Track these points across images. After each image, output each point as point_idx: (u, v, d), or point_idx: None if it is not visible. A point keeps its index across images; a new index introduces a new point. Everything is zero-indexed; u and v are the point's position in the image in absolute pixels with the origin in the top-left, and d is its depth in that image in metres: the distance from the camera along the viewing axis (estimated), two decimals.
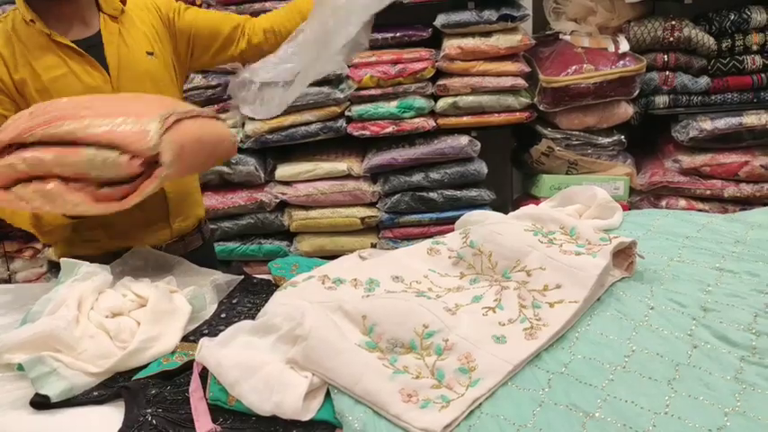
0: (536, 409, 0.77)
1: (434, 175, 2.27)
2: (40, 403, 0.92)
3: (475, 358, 0.85)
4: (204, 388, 0.87)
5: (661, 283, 1.00)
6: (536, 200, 2.24)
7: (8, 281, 2.47)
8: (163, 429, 0.84)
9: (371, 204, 2.34)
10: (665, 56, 2.26)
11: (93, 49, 1.33)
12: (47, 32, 1.29)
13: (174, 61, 1.45)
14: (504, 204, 2.50)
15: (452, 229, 1.21)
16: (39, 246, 2.49)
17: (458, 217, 1.26)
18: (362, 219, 2.32)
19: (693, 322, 0.90)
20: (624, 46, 2.25)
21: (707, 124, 2.21)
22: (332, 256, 1.23)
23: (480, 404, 0.79)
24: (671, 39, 2.23)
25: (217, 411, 0.85)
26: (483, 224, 1.15)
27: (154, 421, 0.85)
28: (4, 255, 2.50)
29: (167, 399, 0.90)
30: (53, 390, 0.92)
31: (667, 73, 2.27)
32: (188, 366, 0.94)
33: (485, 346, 0.87)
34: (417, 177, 2.27)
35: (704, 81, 2.26)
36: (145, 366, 0.98)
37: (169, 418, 0.86)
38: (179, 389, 0.91)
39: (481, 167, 2.28)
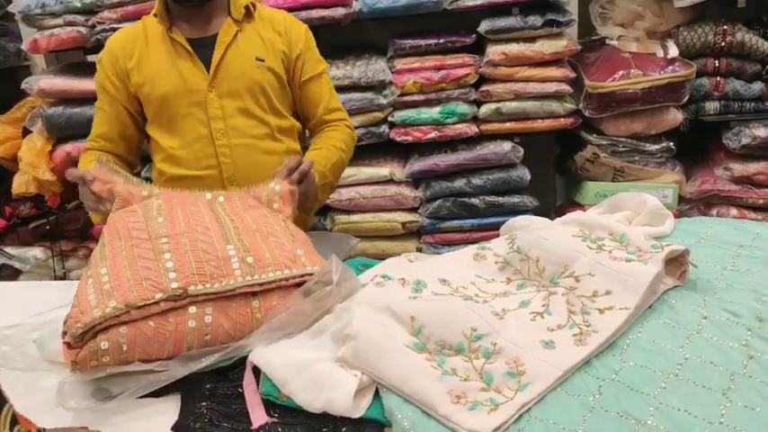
0: (586, 415, 0.77)
1: (477, 180, 2.27)
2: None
3: (523, 363, 0.85)
4: (257, 382, 0.90)
5: (714, 292, 0.98)
6: (580, 207, 2.21)
7: (63, 278, 2.57)
8: (217, 422, 0.87)
9: (413, 209, 2.35)
10: (717, 61, 2.21)
11: (204, 48, 1.41)
12: (165, 27, 1.41)
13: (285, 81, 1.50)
14: (548, 211, 2.47)
15: (495, 236, 1.21)
16: (93, 245, 2.59)
17: (500, 223, 1.26)
18: (404, 224, 2.34)
19: (749, 333, 0.88)
20: (673, 51, 2.20)
21: (760, 131, 2.15)
22: (373, 260, 1.25)
23: (529, 408, 0.79)
24: (722, 44, 2.18)
25: (269, 405, 0.87)
26: (529, 229, 1.14)
27: (209, 414, 0.88)
28: (59, 253, 2.62)
29: (221, 393, 0.93)
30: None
31: (718, 78, 2.21)
32: (241, 362, 0.97)
33: (533, 351, 0.87)
34: (459, 183, 2.27)
35: (758, 87, 2.19)
36: None
37: (223, 411, 0.89)
38: (232, 384, 0.94)
39: (524, 174, 2.27)
